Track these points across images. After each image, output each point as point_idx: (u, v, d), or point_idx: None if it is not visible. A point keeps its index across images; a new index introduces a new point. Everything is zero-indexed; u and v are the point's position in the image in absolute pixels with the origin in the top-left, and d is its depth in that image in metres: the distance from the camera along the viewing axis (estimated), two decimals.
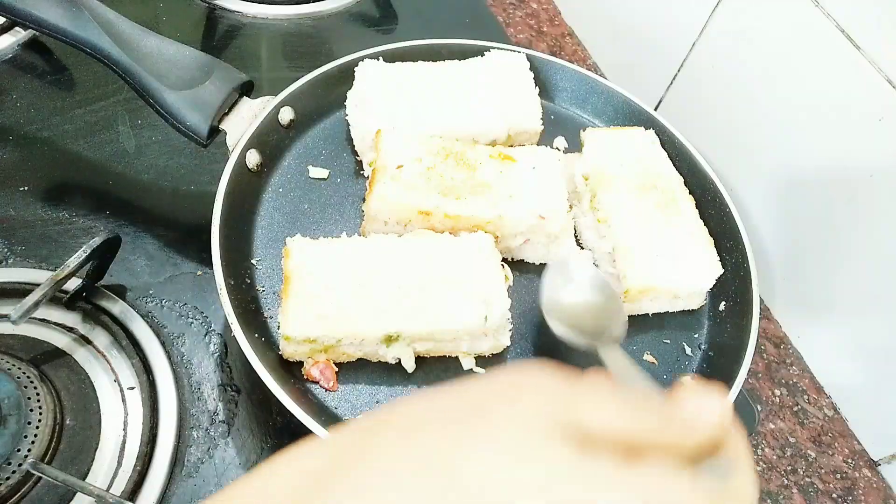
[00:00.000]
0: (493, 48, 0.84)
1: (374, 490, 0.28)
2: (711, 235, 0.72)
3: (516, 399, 0.31)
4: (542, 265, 0.72)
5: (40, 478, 0.55)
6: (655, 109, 0.92)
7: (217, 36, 0.95)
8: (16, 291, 0.64)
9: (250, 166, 0.71)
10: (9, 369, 0.59)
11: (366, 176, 0.74)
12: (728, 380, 0.63)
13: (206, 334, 0.68)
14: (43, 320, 0.65)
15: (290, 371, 0.61)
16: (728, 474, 0.31)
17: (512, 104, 0.78)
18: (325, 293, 0.60)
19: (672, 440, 0.31)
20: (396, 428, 0.31)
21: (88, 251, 0.62)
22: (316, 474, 0.29)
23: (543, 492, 0.27)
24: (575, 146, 0.81)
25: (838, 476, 0.75)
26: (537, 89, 0.80)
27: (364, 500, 0.27)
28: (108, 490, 0.56)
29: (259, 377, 0.55)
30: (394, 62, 0.79)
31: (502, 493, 0.27)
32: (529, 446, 0.28)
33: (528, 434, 0.29)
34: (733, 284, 0.71)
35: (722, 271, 0.69)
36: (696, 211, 0.73)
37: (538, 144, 0.79)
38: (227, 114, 0.70)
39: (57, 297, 0.65)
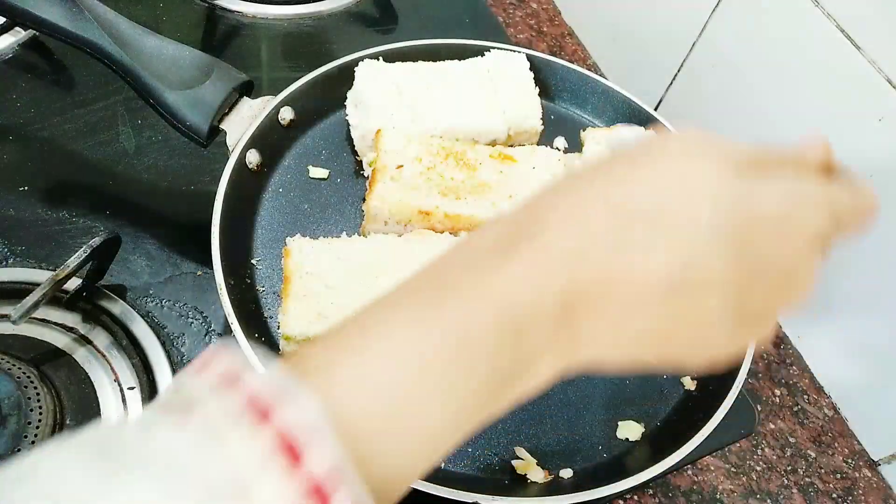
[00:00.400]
0: (493, 48, 0.84)
1: (563, 227, 0.31)
2: None
3: (674, 141, 0.34)
4: None
5: None
6: (655, 109, 0.92)
7: (217, 36, 0.95)
8: (16, 291, 0.64)
9: (250, 166, 0.71)
10: (9, 369, 0.59)
11: (366, 176, 0.74)
12: (728, 380, 0.63)
13: (206, 334, 0.67)
14: (43, 320, 0.65)
15: None
16: (850, 184, 0.36)
17: (512, 104, 0.78)
18: (325, 293, 0.60)
19: (801, 162, 0.35)
20: (568, 182, 0.34)
21: (88, 251, 0.62)
22: (506, 238, 0.32)
23: (710, 197, 0.31)
24: (575, 146, 0.81)
25: (838, 476, 0.75)
26: (537, 89, 0.80)
27: (553, 239, 0.31)
28: None
29: None
30: (394, 62, 0.79)
31: (684, 201, 0.31)
32: (693, 167, 0.32)
33: (688, 160, 0.32)
34: None
35: None
36: None
37: (538, 144, 0.79)
38: (227, 114, 0.70)
39: (57, 297, 0.65)
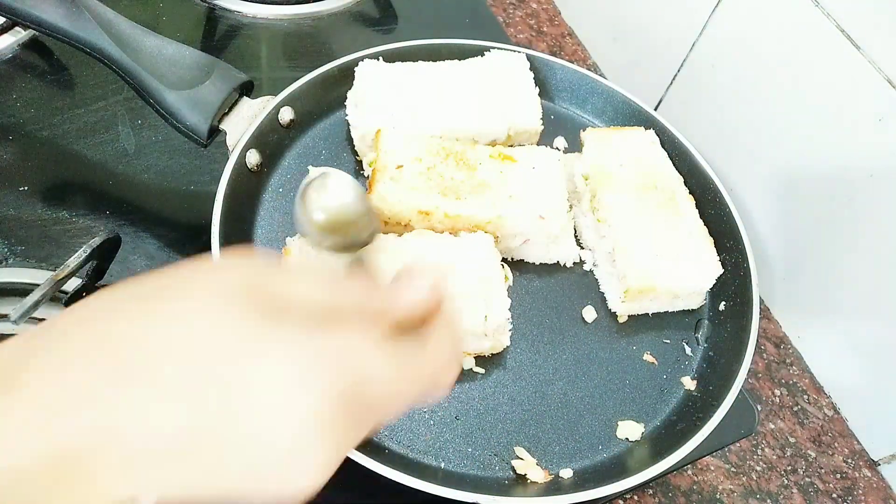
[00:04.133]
0: (493, 48, 0.84)
1: (52, 373, 0.28)
2: (711, 235, 0.72)
3: (204, 276, 0.31)
4: (542, 265, 0.72)
5: None
6: (655, 109, 0.92)
7: (217, 36, 0.95)
8: (16, 291, 0.64)
9: (250, 166, 0.71)
10: None
11: (366, 176, 0.74)
12: (728, 380, 0.63)
13: None
14: (43, 320, 0.65)
15: None
16: (425, 344, 0.32)
17: (512, 104, 0.78)
18: None
19: (368, 311, 0.31)
20: (72, 319, 0.30)
21: (88, 251, 0.62)
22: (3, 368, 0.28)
23: (217, 349, 0.28)
24: (575, 146, 0.81)
25: (838, 476, 0.75)
26: (537, 89, 0.80)
27: (44, 386, 0.27)
28: None
29: None
30: (394, 62, 0.79)
31: (186, 354, 0.28)
32: (207, 313, 0.29)
33: (208, 302, 0.29)
34: (733, 284, 0.71)
35: (722, 271, 0.69)
36: (696, 211, 0.73)
37: (538, 144, 0.79)
38: (227, 114, 0.70)
39: (57, 297, 0.65)
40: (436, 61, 0.80)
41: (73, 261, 0.61)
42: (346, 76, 0.78)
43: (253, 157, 0.71)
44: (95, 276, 0.66)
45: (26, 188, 0.74)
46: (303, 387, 0.28)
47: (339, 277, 0.33)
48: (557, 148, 0.82)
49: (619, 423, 0.63)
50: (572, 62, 0.88)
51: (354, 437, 0.30)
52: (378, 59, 0.79)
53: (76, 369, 0.28)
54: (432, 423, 0.60)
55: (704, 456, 0.68)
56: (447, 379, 0.34)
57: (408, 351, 0.32)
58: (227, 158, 0.68)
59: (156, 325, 0.29)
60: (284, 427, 0.28)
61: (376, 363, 0.30)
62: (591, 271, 0.73)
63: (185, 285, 0.31)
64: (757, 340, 0.65)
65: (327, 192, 0.43)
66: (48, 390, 0.27)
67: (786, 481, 0.73)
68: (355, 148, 0.77)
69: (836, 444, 0.77)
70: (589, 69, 0.88)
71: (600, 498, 0.55)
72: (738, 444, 0.74)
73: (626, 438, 0.62)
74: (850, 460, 0.76)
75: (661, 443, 0.60)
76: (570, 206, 0.73)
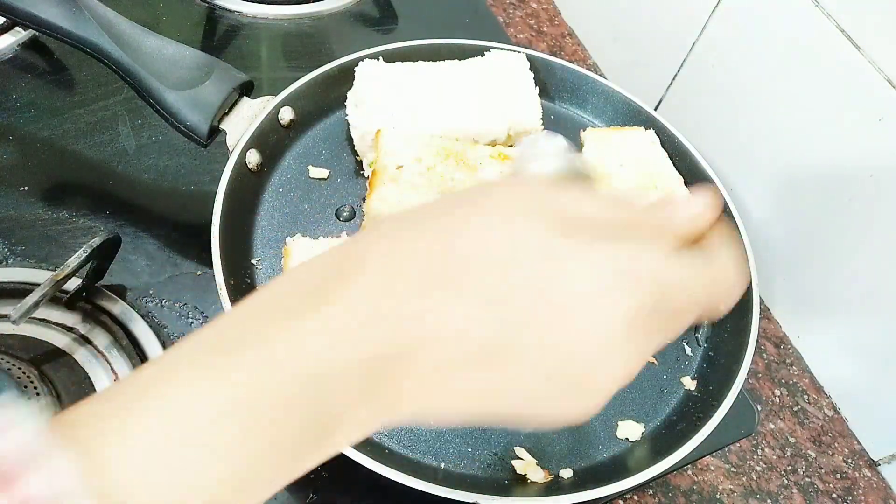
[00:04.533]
0: (493, 48, 0.84)
1: (374, 276, 0.29)
2: None
3: (499, 195, 0.32)
4: None
5: None
6: (655, 109, 0.92)
7: (217, 36, 0.95)
8: (16, 291, 0.64)
9: (250, 166, 0.71)
10: (9, 369, 0.59)
11: (366, 176, 0.74)
12: (728, 380, 0.63)
13: None
14: (43, 320, 0.65)
15: None
16: (711, 259, 0.33)
17: (512, 104, 0.78)
18: None
19: (652, 225, 0.32)
20: (374, 237, 0.31)
21: (88, 251, 0.62)
22: (320, 279, 0.30)
23: (526, 260, 0.29)
24: (575, 146, 0.81)
25: (838, 476, 0.75)
26: (537, 89, 0.80)
27: (362, 291, 0.29)
28: None
29: None
30: (394, 62, 0.79)
31: (494, 264, 0.29)
32: (513, 225, 0.30)
33: (510, 217, 0.30)
34: None
35: None
36: None
37: None
38: (227, 114, 0.70)
39: (57, 297, 0.65)
40: (436, 61, 0.80)
41: (73, 261, 0.61)
42: (346, 76, 0.78)
43: (253, 157, 0.71)
44: (95, 276, 0.66)
45: (26, 188, 0.74)
46: (614, 293, 0.29)
47: (617, 197, 0.33)
48: None
49: (620, 423, 0.63)
50: (572, 62, 0.88)
51: (654, 346, 0.31)
52: (378, 59, 0.79)
53: (387, 280, 0.29)
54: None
55: (704, 456, 0.68)
56: (736, 293, 0.34)
57: (698, 262, 0.32)
58: (228, 158, 0.68)
59: (462, 237, 0.30)
60: (594, 334, 0.29)
61: (677, 271, 0.31)
62: None
63: (482, 202, 0.31)
64: (757, 340, 0.65)
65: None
66: (363, 300, 0.28)
67: (786, 481, 0.73)
68: (355, 148, 0.77)
69: (836, 444, 0.77)
70: (589, 69, 0.88)
71: (600, 498, 0.55)
72: (738, 444, 0.74)
73: (627, 438, 0.62)
74: (850, 460, 0.76)
75: (661, 443, 0.60)
76: None
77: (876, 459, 0.76)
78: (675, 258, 0.31)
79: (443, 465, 0.58)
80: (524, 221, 0.30)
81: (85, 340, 0.64)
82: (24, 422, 0.24)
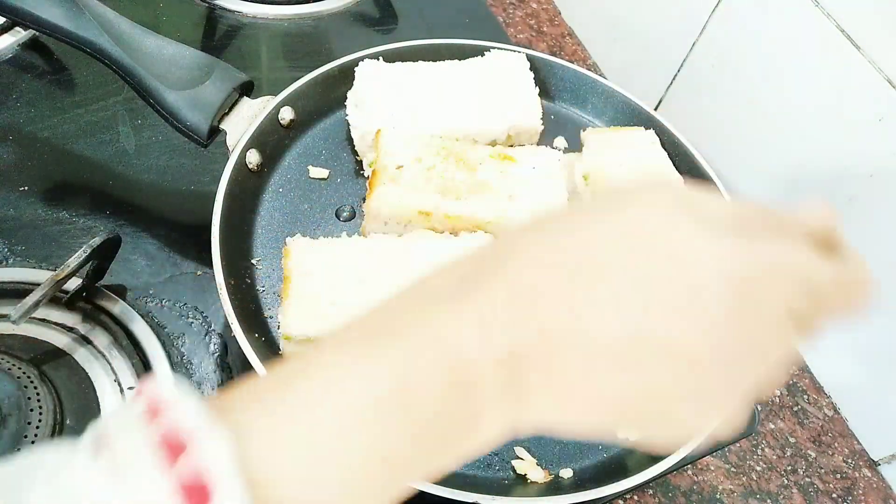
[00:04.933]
0: (493, 48, 0.84)
1: (519, 271, 0.29)
2: None
3: (636, 195, 0.32)
4: None
5: None
6: (655, 109, 0.92)
7: (217, 36, 0.95)
8: (16, 291, 0.64)
9: (250, 166, 0.71)
10: (9, 369, 0.59)
11: (366, 176, 0.74)
12: None
13: (206, 334, 0.67)
14: (43, 320, 0.65)
15: None
16: (844, 259, 0.33)
17: (512, 104, 0.78)
18: (325, 293, 0.60)
19: (793, 226, 0.32)
20: (515, 236, 0.32)
21: (88, 251, 0.62)
22: (462, 276, 0.30)
23: (670, 256, 0.29)
24: (575, 146, 0.81)
25: (838, 476, 0.75)
26: (537, 89, 0.80)
27: (509, 282, 0.29)
28: None
29: None
30: (394, 62, 0.79)
31: (633, 264, 0.29)
32: (655, 220, 0.30)
33: (651, 213, 0.30)
34: None
35: None
36: None
37: (538, 144, 0.79)
38: (227, 114, 0.70)
39: (57, 297, 0.65)
40: (436, 61, 0.80)
41: (73, 261, 0.61)
42: (346, 76, 0.78)
43: (253, 157, 0.71)
44: (95, 276, 0.66)
45: (26, 188, 0.74)
46: (766, 289, 0.29)
47: (749, 202, 0.33)
48: (557, 148, 0.82)
49: None
50: (572, 62, 0.88)
51: (798, 345, 0.31)
52: (378, 59, 0.79)
53: (525, 277, 0.29)
54: None
55: (704, 456, 0.68)
56: (871, 293, 0.35)
57: (839, 263, 0.33)
58: (227, 158, 0.68)
59: (603, 233, 0.30)
60: (747, 329, 0.29)
61: (826, 269, 0.31)
62: None
63: (620, 202, 0.31)
64: None
65: None
66: (499, 298, 0.28)
67: (786, 481, 0.73)
68: (355, 148, 0.77)
69: (836, 444, 0.77)
70: (589, 69, 0.88)
71: (600, 498, 0.55)
72: (738, 444, 0.74)
73: (627, 438, 0.62)
74: (850, 460, 0.76)
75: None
76: None
77: (876, 459, 0.76)
78: (817, 254, 0.32)
79: None
80: (666, 217, 0.30)
81: (85, 340, 0.64)
82: (188, 398, 0.25)
